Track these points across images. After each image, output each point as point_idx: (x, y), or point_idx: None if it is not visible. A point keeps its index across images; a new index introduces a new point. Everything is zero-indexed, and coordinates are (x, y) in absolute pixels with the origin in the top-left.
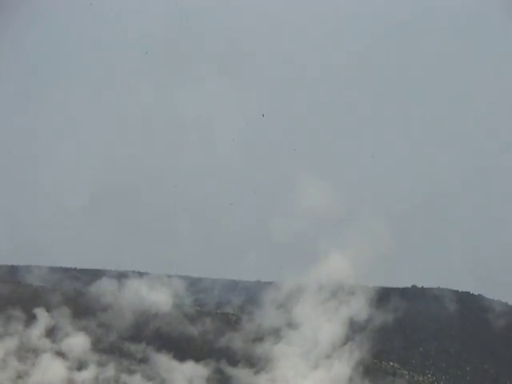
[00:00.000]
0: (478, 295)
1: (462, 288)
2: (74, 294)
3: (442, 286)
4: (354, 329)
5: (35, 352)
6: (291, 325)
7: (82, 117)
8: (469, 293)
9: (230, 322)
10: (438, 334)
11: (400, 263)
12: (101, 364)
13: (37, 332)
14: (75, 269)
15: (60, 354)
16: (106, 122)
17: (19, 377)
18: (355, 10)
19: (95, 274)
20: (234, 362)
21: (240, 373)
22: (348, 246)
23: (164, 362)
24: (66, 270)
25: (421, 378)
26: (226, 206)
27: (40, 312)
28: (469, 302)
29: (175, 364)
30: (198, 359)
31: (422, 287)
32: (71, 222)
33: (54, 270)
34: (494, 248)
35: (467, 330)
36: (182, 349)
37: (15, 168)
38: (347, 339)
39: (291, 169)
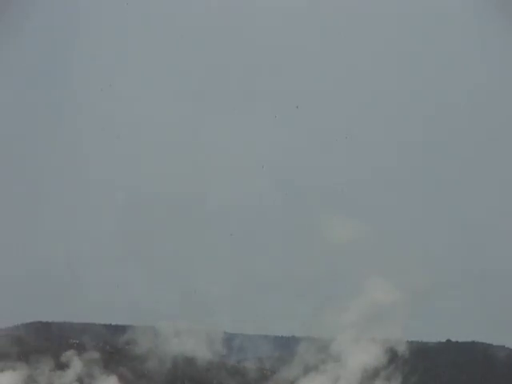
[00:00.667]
0: None
1: (496, 342)
2: (109, 346)
3: (476, 340)
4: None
5: None
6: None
7: (97, 150)
8: (504, 346)
9: (266, 375)
10: None
11: (434, 317)
12: None
13: (68, 378)
14: (110, 325)
15: None
16: (125, 157)
17: None
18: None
19: (128, 330)
20: None
21: None
22: (381, 297)
23: None
24: (100, 326)
25: None
26: (256, 248)
27: (71, 357)
28: (504, 356)
29: None
30: None
31: (457, 341)
32: (100, 274)
33: (87, 326)
34: None
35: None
36: None
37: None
38: None
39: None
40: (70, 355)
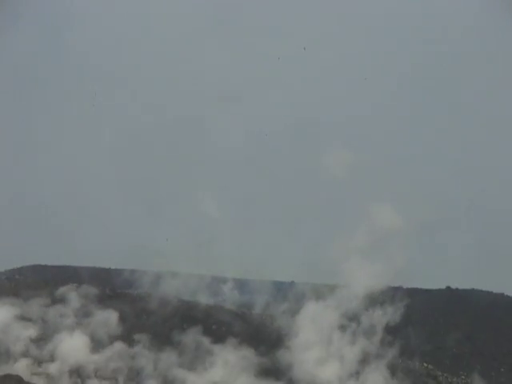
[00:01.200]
0: None
1: (496, 289)
2: (108, 289)
3: (476, 288)
4: (388, 330)
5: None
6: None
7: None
8: (503, 294)
9: (267, 320)
10: (472, 336)
11: (434, 264)
12: (129, 341)
13: (64, 311)
14: (109, 269)
15: (87, 333)
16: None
17: (45, 356)
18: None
19: (129, 274)
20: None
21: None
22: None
23: (194, 340)
24: (100, 269)
25: (454, 379)
26: (258, 183)
27: (68, 292)
28: (503, 304)
29: (206, 342)
30: (236, 344)
31: (457, 288)
32: (100, 216)
33: (86, 269)
34: None
35: (501, 332)
36: (219, 335)
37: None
38: (381, 340)
39: None
40: (66, 290)
